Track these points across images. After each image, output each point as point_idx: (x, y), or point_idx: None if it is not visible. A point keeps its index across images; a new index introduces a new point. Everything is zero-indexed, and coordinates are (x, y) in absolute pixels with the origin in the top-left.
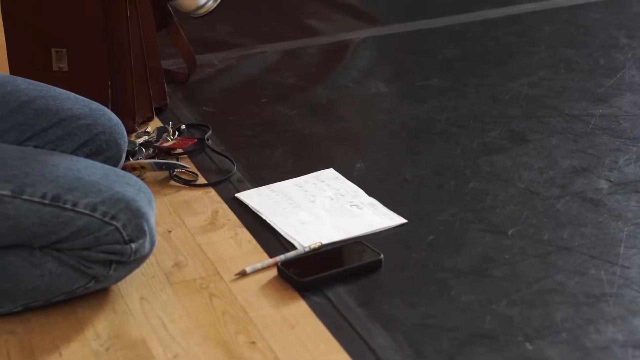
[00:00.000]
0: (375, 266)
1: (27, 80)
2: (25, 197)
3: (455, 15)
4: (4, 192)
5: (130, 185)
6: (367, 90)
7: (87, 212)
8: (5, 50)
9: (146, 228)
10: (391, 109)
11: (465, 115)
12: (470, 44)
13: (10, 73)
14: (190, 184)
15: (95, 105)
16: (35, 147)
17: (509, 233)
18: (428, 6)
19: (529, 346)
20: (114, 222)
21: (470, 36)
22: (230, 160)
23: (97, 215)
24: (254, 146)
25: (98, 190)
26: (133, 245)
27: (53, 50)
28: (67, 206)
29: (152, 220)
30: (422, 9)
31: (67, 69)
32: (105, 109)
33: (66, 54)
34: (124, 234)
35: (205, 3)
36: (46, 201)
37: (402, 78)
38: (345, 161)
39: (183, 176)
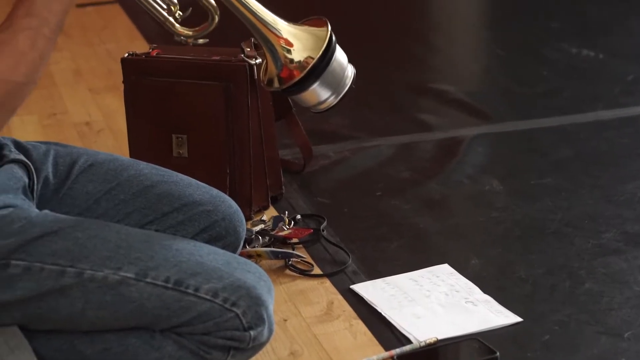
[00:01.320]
0: None
1: (150, 164)
2: (148, 280)
3: (567, 115)
4: (128, 275)
5: (251, 273)
6: (480, 186)
7: (208, 297)
8: (126, 135)
9: (265, 316)
10: (505, 206)
11: (579, 215)
12: (583, 144)
13: (131, 157)
14: (306, 273)
15: (215, 192)
16: (157, 230)
17: (625, 336)
18: (540, 105)
19: None
20: (235, 309)
21: (582, 137)
22: (345, 251)
23: (218, 301)
24: (369, 238)
25: (220, 277)
26: (252, 332)
27: (174, 136)
28: (190, 291)
29: (271, 308)
30: (534, 108)
31: (186, 155)
32: (226, 196)
33: (187, 140)
34: (244, 320)
35: (327, 99)
36: (169, 285)
37: (515, 176)
38: (459, 257)
39: (299, 266)
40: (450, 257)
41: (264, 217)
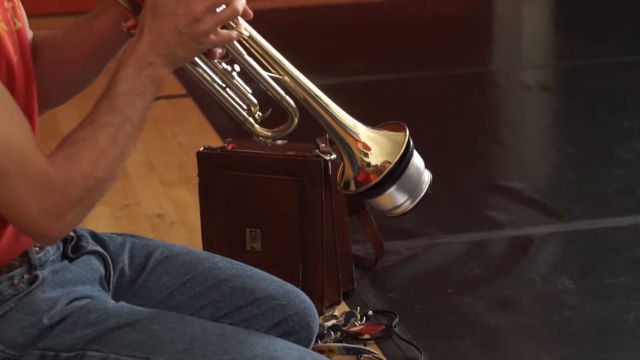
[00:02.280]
0: None
1: (225, 258)
2: None
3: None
4: None
5: None
6: (552, 285)
7: None
8: (199, 228)
9: None
10: (577, 305)
11: None
12: None
13: (204, 250)
14: None
15: (289, 286)
16: (231, 324)
17: None
18: (612, 204)
19: None
20: None
21: None
22: (417, 348)
23: None
24: (441, 336)
25: None
26: None
27: (247, 230)
28: None
29: None
30: (606, 207)
31: (260, 249)
32: (299, 290)
33: (260, 235)
34: None
35: (402, 204)
36: None
37: (587, 275)
38: (532, 356)
39: None
40: (523, 356)
41: (336, 312)
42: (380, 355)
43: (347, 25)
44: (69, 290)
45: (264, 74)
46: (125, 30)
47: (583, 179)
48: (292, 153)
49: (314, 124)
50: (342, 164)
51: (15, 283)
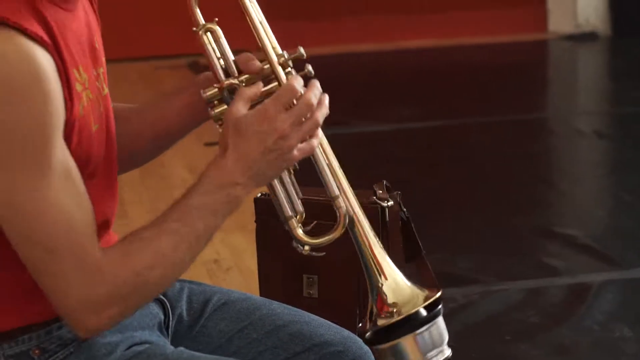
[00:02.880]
0: None
1: (282, 304)
2: None
3: None
4: None
5: None
6: (611, 333)
7: None
8: (255, 273)
9: None
10: (636, 353)
11: None
12: None
13: (261, 295)
14: None
15: (347, 332)
16: None
17: None
18: None
19: None
20: None
21: None
22: None
23: None
24: None
25: None
26: None
27: (304, 276)
28: None
29: None
30: None
31: (316, 295)
32: (357, 337)
33: (317, 281)
34: None
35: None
36: None
37: None
38: None
39: None
40: None
41: None
42: None
43: (403, 70)
44: (128, 336)
45: (328, 172)
46: (204, 97)
47: (639, 227)
48: None
49: (371, 172)
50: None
51: None
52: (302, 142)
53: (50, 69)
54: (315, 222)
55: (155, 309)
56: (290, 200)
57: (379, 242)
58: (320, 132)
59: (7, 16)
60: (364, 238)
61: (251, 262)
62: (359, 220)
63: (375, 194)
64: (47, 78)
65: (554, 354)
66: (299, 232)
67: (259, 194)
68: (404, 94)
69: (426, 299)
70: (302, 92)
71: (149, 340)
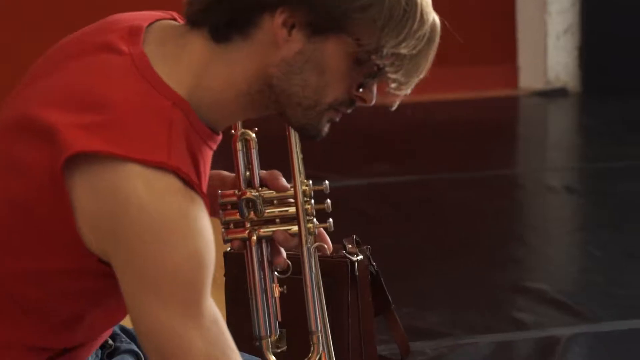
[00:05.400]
0: None
1: (253, 357)
2: None
3: None
4: None
5: None
6: None
7: None
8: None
9: None
10: None
11: None
12: None
13: None
14: None
15: None
16: None
17: None
18: (639, 306)
19: None
20: None
21: None
22: None
23: None
24: None
25: None
26: None
27: None
28: None
29: None
30: (633, 308)
31: (285, 348)
32: None
33: (285, 335)
34: None
35: None
36: None
37: None
38: None
39: None
40: None
41: None
42: None
43: (374, 127)
44: None
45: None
46: (220, 199)
47: (609, 281)
48: (318, 254)
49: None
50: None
51: None
52: None
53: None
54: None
55: None
56: (268, 319)
57: None
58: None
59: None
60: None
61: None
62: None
63: (344, 248)
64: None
65: None
66: (271, 357)
67: (229, 249)
68: (375, 149)
69: None
70: None
71: None
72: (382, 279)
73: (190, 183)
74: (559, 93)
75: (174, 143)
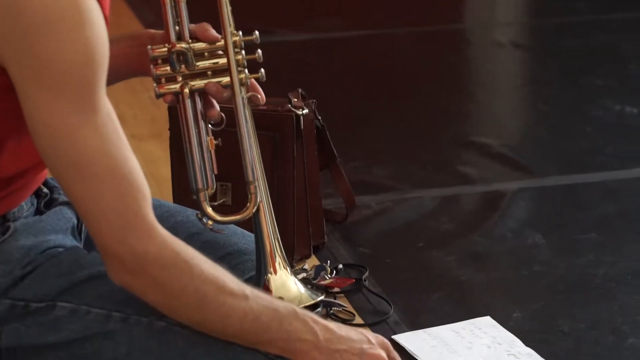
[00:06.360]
0: None
1: (196, 211)
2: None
3: (611, 171)
4: (174, 321)
5: None
6: (523, 240)
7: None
8: (169, 182)
9: None
10: (548, 260)
11: (622, 271)
12: (627, 200)
13: (174, 202)
14: (347, 323)
15: None
16: None
17: None
18: (583, 161)
19: None
20: None
21: (627, 193)
22: (387, 302)
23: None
24: (411, 289)
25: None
26: None
27: (218, 183)
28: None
29: None
30: (577, 163)
31: (230, 203)
32: None
33: (231, 188)
34: None
35: None
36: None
37: (558, 230)
38: (502, 310)
39: (340, 315)
40: (493, 310)
41: (306, 266)
42: (350, 309)
43: None
44: (42, 240)
45: (249, 157)
46: (150, 54)
47: (555, 136)
48: (264, 107)
49: (285, 80)
50: None
51: None
52: None
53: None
54: (223, 200)
55: (69, 212)
56: (205, 172)
57: (279, 239)
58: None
59: None
60: (265, 228)
61: (166, 170)
62: (265, 210)
63: (290, 101)
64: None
65: (467, 260)
66: (208, 208)
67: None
68: (325, 2)
69: (306, 301)
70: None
71: (63, 244)
72: (327, 133)
73: None
74: None
75: None
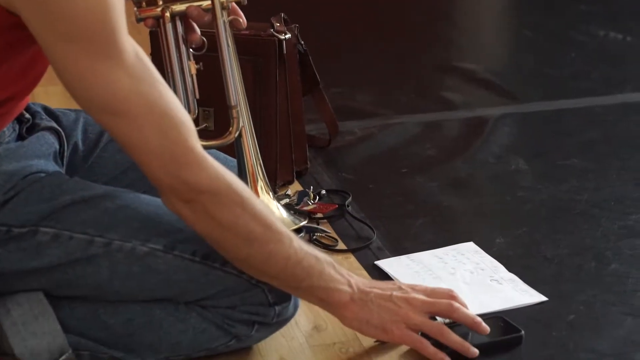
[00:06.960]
0: (515, 342)
1: None
2: (176, 252)
3: (595, 97)
4: (156, 247)
5: None
6: (506, 166)
7: (235, 272)
8: None
9: None
10: (531, 186)
11: (605, 197)
12: (611, 126)
13: None
14: (330, 248)
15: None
16: None
17: None
18: (567, 87)
19: None
20: (261, 284)
21: (610, 119)
22: (370, 227)
23: (244, 276)
24: (394, 215)
25: None
26: (277, 307)
27: (200, 109)
28: (216, 265)
29: None
30: (561, 89)
31: (213, 128)
32: None
33: (213, 114)
34: (270, 296)
35: None
36: (196, 259)
37: (541, 156)
38: (485, 235)
39: (323, 240)
40: (476, 236)
41: (289, 192)
42: (333, 234)
43: None
44: (24, 165)
45: (232, 82)
46: (136, 15)
47: (538, 62)
48: (246, 32)
49: (268, 4)
50: None
51: None
52: (418, 325)
53: None
54: (205, 125)
55: (51, 138)
56: (187, 97)
57: (262, 164)
58: None
59: None
60: (247, 152)
61: None
62: (247, 135)
63: (272, 26)
64: None
65: (449, 186)
66: None
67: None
68: None
69: (289, 226)
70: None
71: (45, 169)
72: (310, 58)
73: None
74: None
75: None
